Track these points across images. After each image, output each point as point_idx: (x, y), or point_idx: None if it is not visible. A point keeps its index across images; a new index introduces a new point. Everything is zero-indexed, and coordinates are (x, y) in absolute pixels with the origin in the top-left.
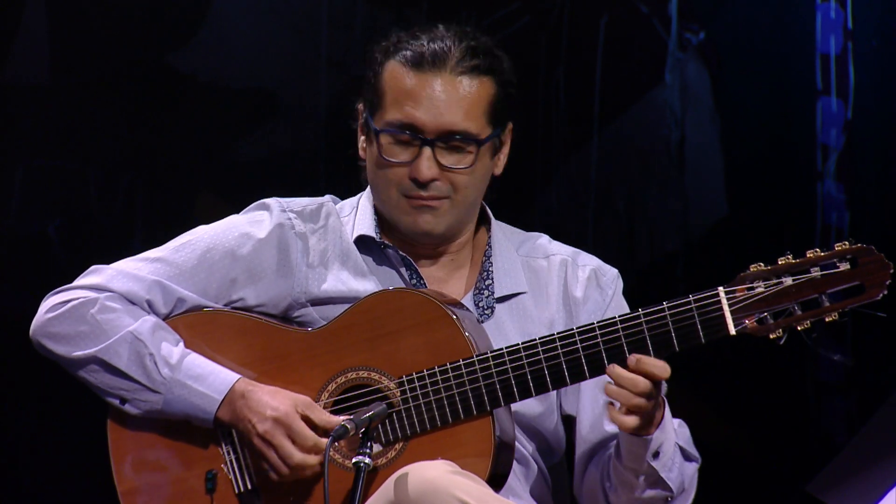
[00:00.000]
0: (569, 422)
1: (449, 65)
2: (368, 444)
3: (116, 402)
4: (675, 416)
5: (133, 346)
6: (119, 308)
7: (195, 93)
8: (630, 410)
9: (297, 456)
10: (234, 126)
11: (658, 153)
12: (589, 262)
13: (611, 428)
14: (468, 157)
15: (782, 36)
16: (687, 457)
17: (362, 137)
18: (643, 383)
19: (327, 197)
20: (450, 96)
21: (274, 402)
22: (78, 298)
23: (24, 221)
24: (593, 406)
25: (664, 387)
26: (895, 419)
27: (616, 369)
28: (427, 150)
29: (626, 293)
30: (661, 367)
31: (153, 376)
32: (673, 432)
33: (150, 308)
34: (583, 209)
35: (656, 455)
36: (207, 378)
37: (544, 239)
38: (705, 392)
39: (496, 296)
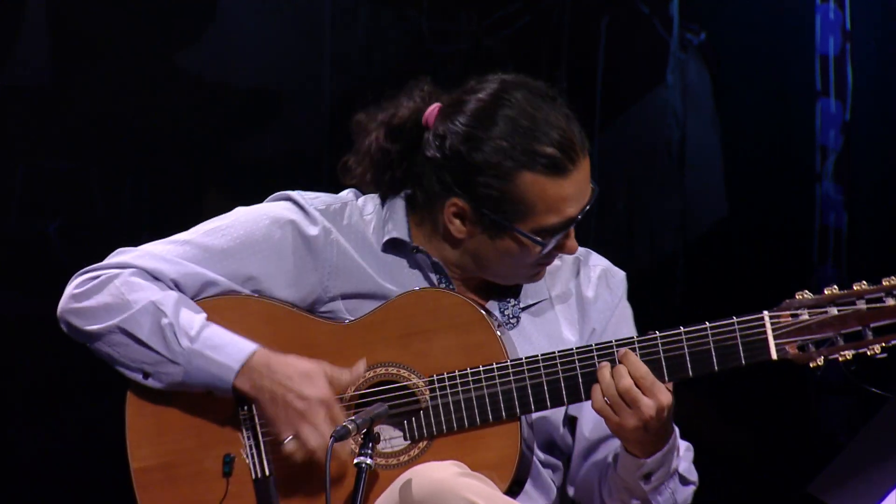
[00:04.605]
0: (572, 422)
1: (579, 152)
2: (370, 444)
3: (139, 376)
4: (674, 416)
5: (154, 316)
6: (144, 282)
7: (199, 93)
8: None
9: (330, 440)
10: (238, 126)
11: (659, 153)
12: (599, 263)
13: None
14: None
15: (782, 37)
16: (684, 481)
17: (467, 227)
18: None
19: (349, 193)
20: (586, 177)
21: (312, 382)
22: (104, 274)
23: (24, 222)
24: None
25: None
26: None
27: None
28: (572, 228)
29: (629, 293)
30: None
31: (173, 347)
32: (674, 462)
33: (177, 288)
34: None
35: (647, 478)
36: (226, 348)
37: None
38: (706, 392)
39: (522, 304)
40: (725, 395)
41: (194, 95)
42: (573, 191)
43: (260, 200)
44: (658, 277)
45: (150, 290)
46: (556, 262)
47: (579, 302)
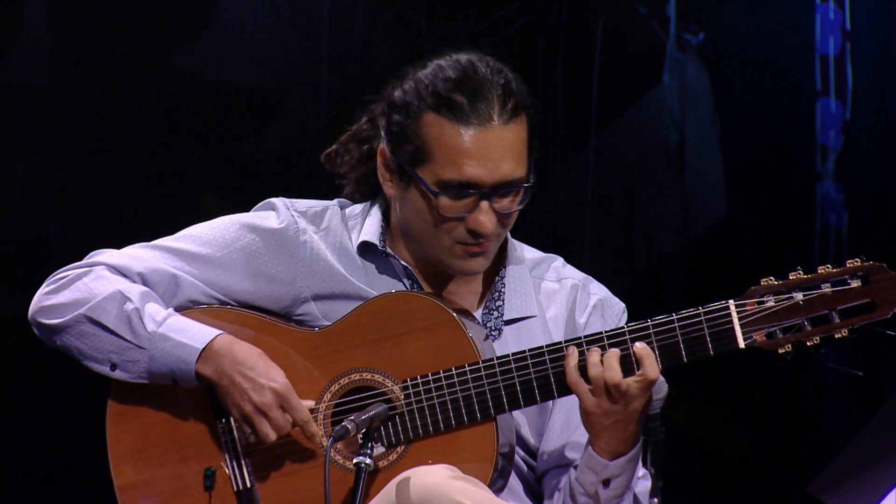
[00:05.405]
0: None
1: (494, 115)
2: (369, 444)
3: (107, 368)
4: (673, 416)
5: (120, 303)
6: (111, 275)
7: (198, 93)
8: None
9: (288, 430)
10: (236, 126)
11: (657, 154)
12: (598, 292)
13: (571, 454)
14: (518, 198)
15: (781, 37)
16: None
17: (389, 176)
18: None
19: (335, 201)
20: (502, 148)
21: (270, 371)
22: (72, 273)
23: (24, 222)
24: (562, 432)
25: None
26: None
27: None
28: (485, 204)
29: (627, 294)
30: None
31: (138, 331)
32: (633, 479)
33: (144, 283)
34: (581, 211)
35: (606, 483)
36: (190, 331)
37: (559, 262)
38: (706, 392)
39: (505, 318)
40: (725, 395)
41: (193, 95)
42: (475, 148)
43: (258, 200)
44: (657, 278)
45: (117, 281)
46: (554, 285)
47: (569, 326)
